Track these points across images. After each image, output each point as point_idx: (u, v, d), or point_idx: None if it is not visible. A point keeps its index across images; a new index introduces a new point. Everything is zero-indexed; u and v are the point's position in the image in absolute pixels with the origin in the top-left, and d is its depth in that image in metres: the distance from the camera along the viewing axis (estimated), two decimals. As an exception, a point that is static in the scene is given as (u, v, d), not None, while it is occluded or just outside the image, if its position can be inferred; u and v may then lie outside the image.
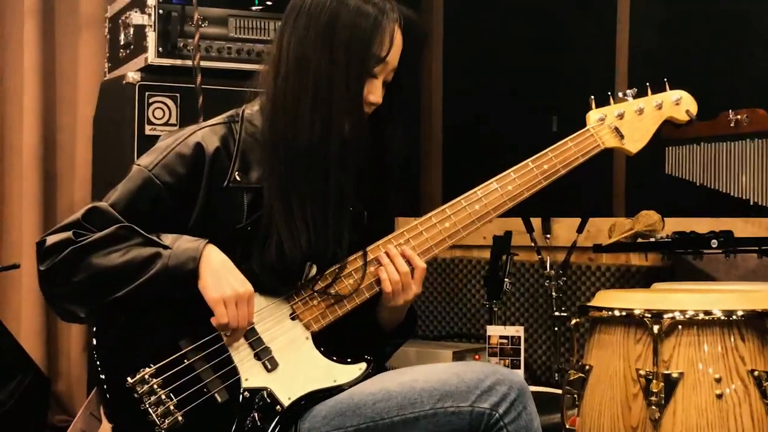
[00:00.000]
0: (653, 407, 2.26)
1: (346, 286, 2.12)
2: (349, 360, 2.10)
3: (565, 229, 4.07)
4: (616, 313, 2.36)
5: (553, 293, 3.95)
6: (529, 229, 3.98)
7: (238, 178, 2.10)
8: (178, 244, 2.01)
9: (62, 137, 4.70)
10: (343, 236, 2.11)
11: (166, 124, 3.49)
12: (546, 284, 3.96)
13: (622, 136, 2.31)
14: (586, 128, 2.31)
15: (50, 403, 4.30)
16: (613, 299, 2.41)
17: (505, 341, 3.68)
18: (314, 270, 2.11)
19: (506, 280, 3.76)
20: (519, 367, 3.62)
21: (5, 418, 3.85)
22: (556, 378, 3.97)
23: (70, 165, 4.69)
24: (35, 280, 4.72)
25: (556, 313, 3.95)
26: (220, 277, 2.00)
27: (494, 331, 3.71)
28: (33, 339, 4.51)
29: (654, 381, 2.26)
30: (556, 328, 3.98)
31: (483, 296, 4.08)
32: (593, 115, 2.32)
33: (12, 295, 4.58)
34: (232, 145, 2.12)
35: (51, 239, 2.02)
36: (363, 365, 2.09)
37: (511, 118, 4.75)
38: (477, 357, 3.95)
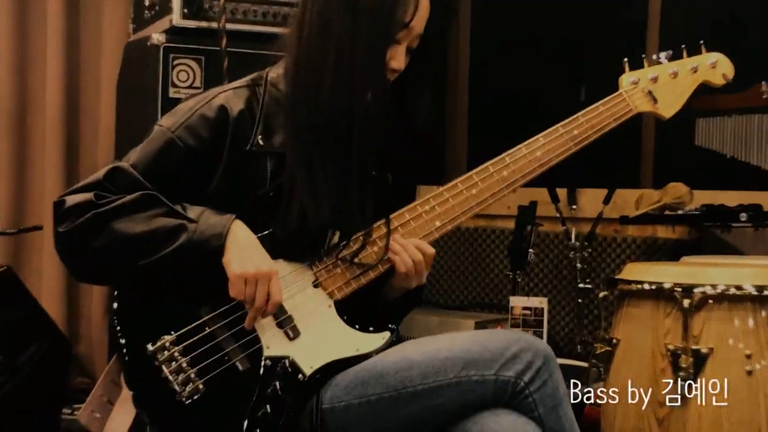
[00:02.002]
0: (681, 382, 2.22)
1: (370, 254, 2.08)
2: (371, 329, 2.07)
3: (591, 200, 4.03)
4: (646, 286, 2.32)
5: (578, 265, 3.91)
6: (555, 199, 3.94)
7: (261, 143, 2.07)
8: (204, 217, 1.98)
9: (85, 99, 4.69)
10: (366, 203, 2.08)
11: (190, 87, 3.46)
12: (571, 255, 3.92)
13: (655, 100, 2.26)
14: (618, 92, 2.26)
15: (71, 365, 4.31)
16: (642, 272, 2.38)
17: (528, 312, 3.65)
18: (337, 237, 2.08)
19: (530, 250, 3.71)
20: (541, 338, 3.59)
21: (26, 381, 3.86)
22: (579, 350, 3.94)
23: (94, 127, 4.68)
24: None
25: (581, 285, 3.92)
26: (244, 254, 1.97)
27: (517, 301, 3.67)
28: (54, 302, 4.51)
29: (683, 356, 2.23)
30: (579, 300, 3.95)
31: (506, 266, 4.05)
32: (626, 79, 2.27)
33: (33, 257, 4.58)
34: (256, 108, 2.09)
35: (71, 200, 1.99)
36: (386, 334, 2.06)
37: (538, 88, 4.70)
38: (499, 327, 3.93)
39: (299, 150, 2.05)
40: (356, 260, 2.07)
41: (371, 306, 2.14)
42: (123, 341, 1.99)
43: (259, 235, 2.02)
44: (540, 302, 3.66)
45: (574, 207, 4.08)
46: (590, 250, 3.92)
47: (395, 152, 2.18)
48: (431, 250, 2.11)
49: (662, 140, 4.39)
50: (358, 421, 1.96)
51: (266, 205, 2.05)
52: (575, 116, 2.19)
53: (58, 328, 4.10)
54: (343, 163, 2.05)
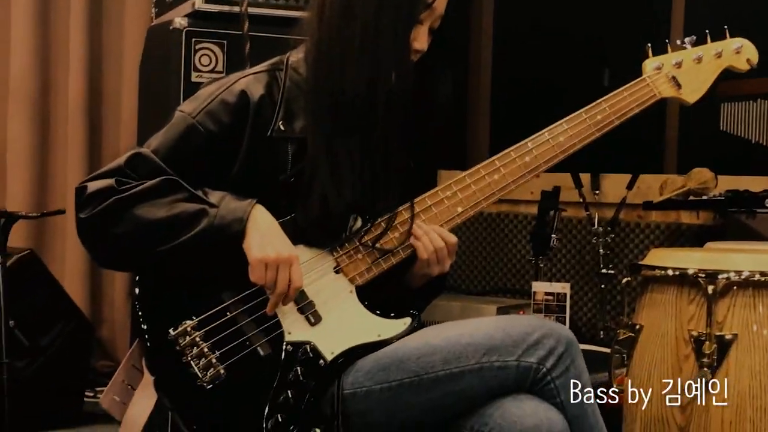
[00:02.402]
0: (705, 369, 2.21)
1: (392, 240, 2.07)
2: (393, 314, 2.06)
3: (614, 185, 4.01)
4: (670, 272, 2.30)
5: (601, 250, 3.90)
6: (578, 184, 3.92)
7: (282, 128, 2.06)
8: (225, 202, 1.97)
9: (108, 84, 4.70)
10: (388, 188, 2.07)
11: (212, 71, 3.45)
12: (594, 241, 3.90)
13: (679, 86, 2.24)
14: (641, 77, 2.23)
15: (93, 348, 4.33)
16: (666, 258, 2.36)
17: (550, 297, 3.63)
18: (359, 222, 2.07)
19: (553, 235, 3.70)
20: (564, 324, 3.58)
21: (49, 364, 3.88)
22: (602, 336, 3.93)
23: (116, 111, 4.68)
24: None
25: (603, 271, 3.90)
26: (265, 239, 1.96)
27: (540, 287, 3.66)
28: (77, 285, 4.53)
29: (707, 342, 2.21)
30: (602, 286, 3.93)
31: (529, 252, 4.03)
32: (650, 64, 2.25)
33: (56, 240, 4.60)
34: (277, 93, 2.08)
35: (93, 186, 1.99)
36: (408, 320, 2.05)
37: (561, 72, 4.67)
38: (521, 312, 3.91)
39: (320, 134, 2.03)
40: (378, 246, 2.06)
41: (393, 292, 2.13)
42: (144, 326, 1.99)
43: (281, 220, 2.01)
44: (562, 288, 3.65)
45: (598, 192, 4.06)
46: (613, 235, 3.90)
47: (417, 136, 2.16)
48: (453, 239, 2.10)
49: (687, 125, 4.35)
50: (379, 406, 1.95)
51: (287, 191, 2.04)
52: (598, 102, 2.18)
53: (80, 311, 4.13)
54: (365, 147, 2.04)
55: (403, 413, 1.95)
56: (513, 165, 2.12)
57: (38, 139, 4.52)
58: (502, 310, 3.87)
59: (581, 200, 3.94)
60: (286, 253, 1.96)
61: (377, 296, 2.08)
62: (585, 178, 3.99)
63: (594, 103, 2.17)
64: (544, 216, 3.69)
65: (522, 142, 2.14)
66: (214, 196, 1.98)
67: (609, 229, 3.89)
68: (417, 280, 2.15)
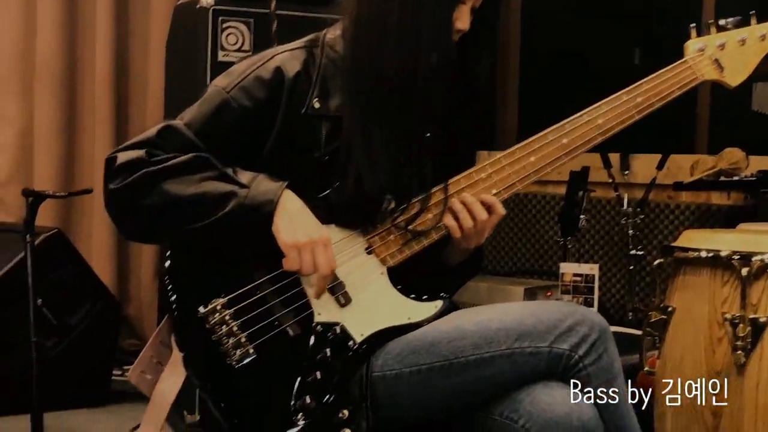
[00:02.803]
0: (739, 352, 2.18)
1: (426, 221, 2.05)
2: (424, 297, 2.04)
3: (644, 166, 3.97)
4: (703, 254, 2.27)
5: (630, 231, 3.87)
6: (607, 164, 3.89)
7: (317, 106, 2.03)
8: (256, 183, 1.94)
9: (134, 63, 4.70)
10: (424, 170, 2.05)
11: (239, 50, 3.44)
12: (623, 222, 3.87)
13: (722, 68, 2.20)
14: (683, 59, 2.20)
15: (120, 327, 4.34)
16: (699, 240, 2.32)
17: (578, 279, 3.61)
18: (392, 203, 2.05)
19: (582, 216, 3.68)
20: (592, 306, 3.56)
21: (76, 342, 3.89)
22: (630, 317, 3.90)
23: (143, 90, 4.69)
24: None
25: (632, 252, 3.87)
26: (295, 222, 1.93)
27: (568, 268, 3.64)
28: (104, 264, 4.55)
29: (740, 325, 2.18)
30: (631, 267, 3.90)
31: (557, 233, 4.00)
32: (692, 45, 2.21)
33: (83, 219, 4.62)
34: (312, 70, 2.05)
35: (123, 156, 1.96)
36: (438, 303, 2.03)
37: (591, 51, 4.62)
38: (549, 294, 3.89)
39: (357, 114, 2.01)
40: (410, 227, 2.04)
41: (425, 274, 2.10)
42: (174, 301, 1.98)
43: (313, 200, 1.99)
44: (591, 269, 3.62)
45: (627, 172, 4.03)
46: (643, 216, 3.87)
47: (456, 118, 2.13)
48: (503, 211, 2.06)
49: (718, 105, 4.31)
50: (408, 390, 1.93)
51: (320, 170, 2.02)
52: (639, 83, 2.14)
53: (108, 290, 4.14)
54: (402, 127, 2.02)
55: (432, 397, 1.93)
56: (550, 147, 2.09)
57: (65, 118, 4.53)
58: (529, 292, 3.85)
59: (610, 181, 3.91)
60: (318, 235, 1.94)
61: (409, 278, 2.06)
62: (614, 158, 3.96)
63: (634, 85, 2.14)
64: (572, 196, 3.66)
65: (560, 124, 2.10)
66: (244, 177, 1.95)
67: (638, 209, 3.86)
68: (455, 257, 2.13)
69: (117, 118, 4.61)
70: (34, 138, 4.47)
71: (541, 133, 2.10)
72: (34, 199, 2.97)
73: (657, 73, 2.17)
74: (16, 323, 3.58)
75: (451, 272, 2.17)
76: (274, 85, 2.01)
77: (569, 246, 3.70)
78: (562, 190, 3.79)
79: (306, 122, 2.02)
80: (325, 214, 1.99)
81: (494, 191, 2.07)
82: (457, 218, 2.04)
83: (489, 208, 2.06)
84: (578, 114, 2.11)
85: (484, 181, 2.07)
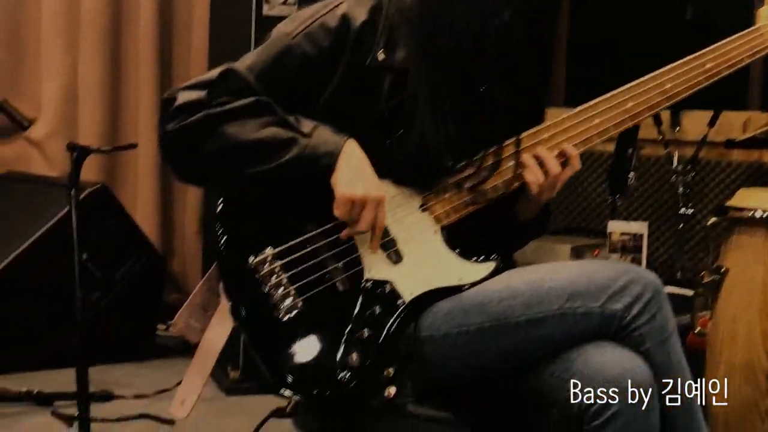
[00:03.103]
0: (794, 313, 2.14)
1: (493, 178, 2.01)
2: (477, 258, 2.00)
3: (695, 123, 3.90)
4: (758, 214, 2.22)
5: (680, 189, 3.81)
6: (658, 121, 3.82)
7: (381, 57, 1.98)
8: (318, 133, 1.91)
9: (179, 17, 4.68)
10: (492, 126, 2.00)
11: (284, 3, 3.41)
12: (672, 180, 3.81)
13: None
14: (756, 26, 2.14)
15: (165, 282, 4.36)
16: (754, 199, 2.28)
17: (626, 238, 3.56)
18: (451, 161, 2.00)
19: (631, 174, 3.62)
20: (640, 265, 3.51)
21: (121, 296, 3.91)
22: (679, 277, 3.85)
23: (187, 46, 4.67)
24: (151, 159, 4.80)
25: (682, 210, 3.82)
26: (355, 176, 1.90)
27: (616, 226, 3.59)
28: (148, 219, 4.55)
29: (796, 287, 2.14)
30: (681, 226, 3.85)
31: (605, 191, 3.95)
32: (765, 12, 2.15)
33: (128, 174, 4.63)
34: (379, 19, 2.00)
35: (183, 97, 1.93)
36: (491, 265, 1.99)
37: (641, 7, 4.54)
38: (596, 253, 3.84)
39: (424, 68, 1.96)
40: (467, 186, 1.99)
41: (487, 232, 2.06)
42: (223, 248, 1.95)
43: (371, 153, 1.94)
44: (639, 227, 3.57)
45: (678, 129, 3.96)
46: (693, 174, 3.81)
47: (524, 76, 2.08)
48: (578, 165, 2.02)
49: (772, 61, 4.22)
50: (455, 350, 1.91)
51: (380, 123, 1.98)
52: (709, 49, 2.09)
53: (152, 244, 4.16)
54: (471, 84, 1.97)
55: (480, 358, 1.91)
56: (615, 110, 2.05)
57: (109, 73, 4.52)
58: (576, 250, 3.80)
59: (660, 138, 3.84)
60: (374, 193, 1.91)
61: (465, 236, 2.02)
62: (665, 114, 3.89)
63: (704, 51, 2.09)
64: (621, 154, 3.61)
65: (626, 86, 2.06)
66: (306, 125, 1.92)
67: (689, 167, 3.80)
68: (525, 212, 2.10)
69: (161, 74, 4.60)
70: (79, 92, 4.47)
71: (607, 95, 2.05)
72: (78, 153, 2.95)
73: (728, 39, 2.11)
74: (61, 278, 3.61)
75: (518, 230, 2.13)
76: (340, 34, 1.97)
77: (617, 204, 3.64)
78: (610, 147, 3.73)
79: (369, 74, 1.98)
80: (382, 168, 1.95)
81: (556, 152, 2.03)
82: (529, 172, 2.00)
83: (565, 161, 2.02)
84: (644, 78, 2.06)
85: (547, 141, 2.03)
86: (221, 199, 1.97)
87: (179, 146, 1.94)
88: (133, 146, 3.30)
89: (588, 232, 4.25)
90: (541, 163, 2.00)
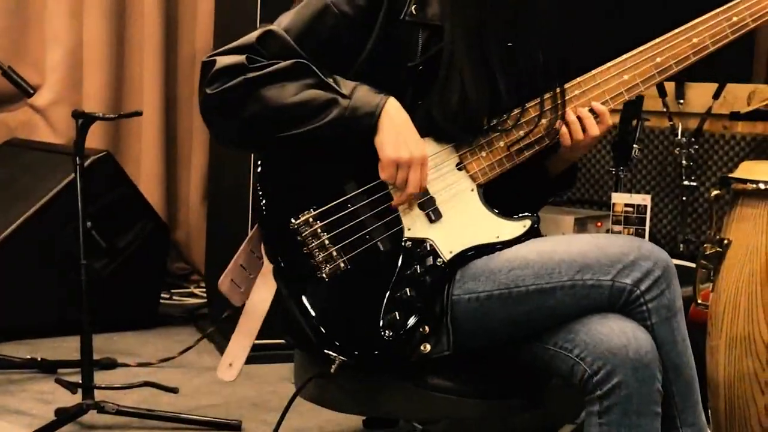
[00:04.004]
0: (796, 286, 2.14)
1: (517, 138, 2.02)
2: (514, 215, 2.01)
3: (699, 95, 3.89)
4: (762, 186, 2.22)
5: (684, 162, 3.82)
6: (662, 93, 3.81)
7: (414, 12, 1.99)
8: (358, 94, 1.91)
9: (184, -17, 4.66)
10: (530, 85, 2.02)
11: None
12: (676, 152, 3.82)
13: None
14: None
15: (169, 251, 4.36)
16: (758, 171, 2.27)
17: (630, 209, 3.56)
18: (490, 117, 2.01)
19: (635, 146, 3.62)
20: (643, 237, 3.51)
21: (125, 265, 3.92)
22: (681, 249, 3.86)
23: (192, 13, 4.65)
24: (156, 128, 4.79)
25: (686, 183, 3.83)
26: (399, 137, 1.91)
27: (620, 198, 3.59)
28: (153, 187, 4.55)
29: (799, 259, 2.14)
30: (684, 198, 3.85)
31: (609, 162, 3.95)
32: None
33: (133, 142, 4.62)
34: None
35: (222, 60, 1.93)
36: (528, 222, 2.00)
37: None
38: (599, 224, 3.85)
39: (461, 23, 1.96)
40: (502, 144, 2.01)
41: (520, 186, 2.08)
42: (264, 210, 1.96)
43: (412, 112, 1.95)
44: (643, 199, 3.57)
45: (682, 101, 3.95)
46: (697, 146, 3.81)
47: (561, 31, 2.09)
48: (609, 122, 2.04)
49: (778, 33, 4.20)
50: (467, 315, 1.92)
51: (415, 79, 1.98)
52: (735, 2, 2.09)
53: (156, 213, 4.15)
54: (510, 40, 1.98)
55: (490, 325, 1.92)
56: (644, 65, 2.05)
57: (114, 39, 4.50)
58: (579, 222, 3.81)
59: (665, 110, 3.84)
60: (419, 154, 1.92)
61: (501, 192, 2.03)
62: (669, 86, 3.88)
63: (730, 4, 2.09)
64: (626, 125, 3.61)
65: (655, 42, 2.07)
66: (346, 86, 1.93)
67: (693, 140, 3.80)
68: (557, 167, 2.13)
69: (166, 40, 4.58)
70: (84, 58, 4.45)
71: (635, 51, 2.06)
72: (84, 120, 2.95)
73: None
74: (66, 245, 3.62)
75: (549, 184, 2.16)
76: None
77: (621, 176, 3.64)
78: (615, 118, 3.73)
79: (403, 29, 1.98)
80: (421, 126, 1.96)
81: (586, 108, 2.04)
82: (568, 130, 2.02)
83: (598, 118, 2.03)
84: (672, 33, 2.07)
85: (578, 98, 2.04)
86: (260, 161, 1.98)
87: (219, 110, 1.94)
88: (138, 114, 3.29)
89: (592, 203, 4.26)
90: (579, 121, 2.02)
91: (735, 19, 2.07)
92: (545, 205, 2.22)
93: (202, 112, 1.97)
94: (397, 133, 1.91)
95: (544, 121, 2.02)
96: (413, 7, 1.98)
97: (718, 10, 2.08)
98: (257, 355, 3.28)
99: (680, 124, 3.82)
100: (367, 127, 1.90)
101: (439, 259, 1.95)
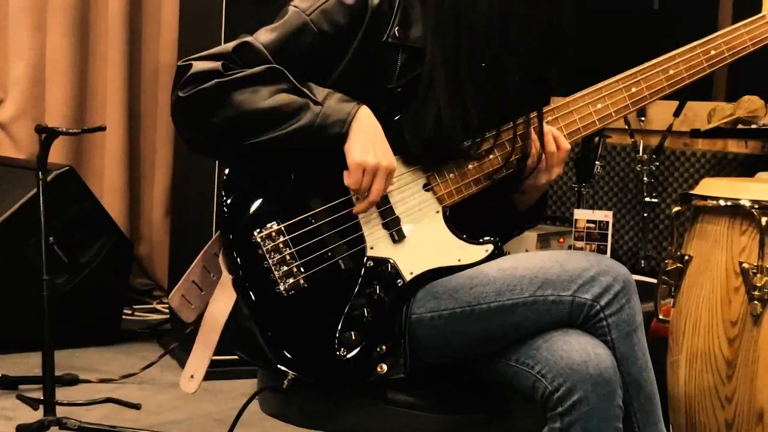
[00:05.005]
0: (755, 302, 2.16)
1: (486, 162, 2.03)
2: (476, 240, 2.02)
3: (661, 112, 3.93)
4: (722, 202, 2.24)
5: (645, 178, 3.86)
6: (624, 110, 3.84)
7: (396, 35, 1.99)
8: (330, 100, 1.91)
9: (149, -2, 4.65)
10: (505, 110, 2.02)
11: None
12: (638, 169, 3.86)
13: None
14: (761, 14, 2.16)
15: (132, 266, 4.34)
16: (718, 188, 2.30)
17: (592, 225, 3.59)
18: (464, 140, 2.01)
19: (597, 162, 3.66)
20: (605, 253, 3.54)
21: (87, 280, 3.89)
22: (642, 265, 3.89)
23: (156, 27, 4.64)
24: (119, 142, 4.75)
25: (647, 199, 3.86)
26: (368, 142, 1.90)
27: (582, 214, 3.62)
28: (116, 202, 4.53)
29: (758, 275, 2.16)
30: (645, 214, 3.89)
31: (572, 178, 3.98)
32: None
33: (96, 157, 4.60)
34: None
35: (198, 65, 1.92)
36: (489, 247, 2.01)
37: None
38: (561, 240, 3.87)
39: (441, 48, 1.97)
40: (471, 167, 2.01)
41: (486, 219, 2.08)
42: (227, 220, 1.94)
43: (385, 130, 1.95)
44: (605, 216, 3.60)
45: (643, 119, 3.99)
46: (658, 163, 3.85)
47: (539, 61, 2.10)
48: (567, 146, 2.05)
49: (738, 51, 4.25)
50: (430, 333, 1.93)
51: (391, 100, 1.99)
52: (713, 36, 2.11)
53: (119, 228, 4.13)
54: (487, 65, 1.99)
55: (453, 342, 1.93)
56: (618, 95, 2.07)
57: (77, 53, 4.48)
58: (542, 238, 3.83)
59: (626, 127, 3.88)
60: (386, 162, 1.91)
61: (464, 217, 2.03)
62: (631, 104, 3.92)
63: (708, 38, 2.11)
64: (588, 142, 3.64)
65: (630, 72, 2.08)
66: (319, 93, 1.92)
67: (654, 156, 3.84)
68: (520, 199, 2.12)
69: (130, 55, 4.57)
70: (46, 72, 4.43)
71: (610, 80, 2.08)
72: (47, 135, 2.94)
73: (732, 26, 2.13)
74: (28, 261, 3.59)
75: (515, 218, 2.16)
76: (357, 12, 1.97)
77: (584, 192, 3.67)
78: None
79: (383, 50, 1.98)
80: (396, 144, 1.96)
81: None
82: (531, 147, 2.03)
83: (556, 142, 2.04)
84: (648, 63, 2.09)
85: (551, 124, 2.05)
86: (226, 169, 1.97)
87: (191, 113, 1.93)
88: (102, 129, 3.28)
89: (554, 219, 4.28)
90: (540, 140, 2.03)
91: (713, 52, 2.10)
92: (513, 238, 2.21)
93: (173, 116, 1.96)
94: (365, 139, 1.90)
95: (513, 146, 2.03)
96: (396, 29, 1.98)
97: (696, 43, 2.11)
98: (221, 371, 3.30)
99: (642, 141, 3.86)
100: (338, 134, 1.90)
101: (399, 280, 1.95)
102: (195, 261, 2.08)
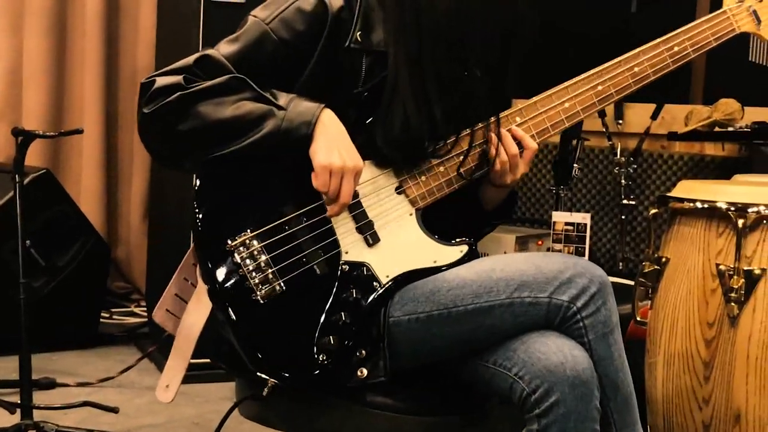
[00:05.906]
0: (732, 304, 2.17)
1: (456, 164, 2.03)
2: (451, 241, 2.02)
3: (638, 115, 3.96)
4: (699, 205, 2.25)
5: (623, 181, 3.87)
6: (601, 113, 3.87)
7: (359, 39, 2.00)
8: (293, 105, 1.91)
9: (126, 1, 4.63)
10: (471, 113, 2.03)
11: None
12: (616, 171, 3.87)
13: (759, 21, 2.18)
14: (722, 9, 2.19)
15: (109, 269, 4.32)
16: (695, 190, 2.30)
17: (570, 228, 3.60)
18: (431, 143, 2.03)
19: (575, 165, 3.67)
20: (583, 255, 3.55)
21: (65, 284, 3.88)
22: (620, 267, 3.90)
23: (134, 30, 4.63)
24: (97, 145, 4.74)
25: (625, 202, 3.88)
26: (332, 144, 1.90)
27: (560, 217, 3.62)
28: (93, 205, 4.52)
29: (735, 277, 2.17)
30: (623, 217, 3.90)
31: (550, 181, 3.99)
32: None
33: (73, 160, 4.58)
34: (355, 3, 2.01)
35: (160, 81, 1.92)
36: (464, 248, 2.01)
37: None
38: (540, 243, 3.88)
39: (404, 51, 1.98)
40: (442, 169, 2.02)
41: (458, 217, 2.10)
42: (200, 229, 1.94)
43: (353, 135, 1.95)
44: (583, 218, 3.61)
45: (621, 122, 4.01)
46: (635, 166, 3.86)
47: (500, 61, 2.11)
48: (533, 145, 2.06)
49: (715, 55, 4.26)
50: (407, 336, 1.93)
51: (358, 104, 1.99)
52: (675, 32, 2.13)
53: (96, 231, 4.12)
54: (452, 67, 2.00)
55: (431, 345, 1.93)
56: (585, 93, 2.09)
57: (55, 56, 4.47)
58: (521, 240, 3.84)
59: (604, 130, 3.89)
60: (352, 163, 1.91)
61: (440, 220, 2.04)
62: (608, 107, 3.93)
63: (671, 34, 2.13)
64: (566, 145, 3.65)
65: (595, 70, 2.10)
66: (282, 98, 1.92)
67: (632, 159, 3.85)
68: (488, 197, 2.13)
69: (107, 57, 4.55)
70: (23, 75, 4.41)
71: (576, 79, 2.09)
72: (24, 138, 2.92)
73: (695, 22, 2.16)
74: (5, 263, 3.57)
75: (485, 216, 2.17)
76: (316, 18, 1.97)
77: (562, 195, 3.68)
78: (556, 138, 3.77)
79: (347, 56, 1.99)
80: (365, 149, 1.96)
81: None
82: (492, 150, 2.04)
83: (519, 143, 2.05)
84: (613, 61, 2.11)
85: (520, 125, 2.07)
86: (198, 179, 1.96)
87: (156, 128, 1.93)
88: (79, 132, 3.26)
89: (533, 222, 4.29)
90: (502, 143, 2.04)
91: (676, 49, 2.12)
92: (485, 236, 2.23)
93: (140, 132, 1.96)
94: (330, 141, 1.90)
95: (480, 148, 2.04)
96: (358, 33, 1.99)
97: (659, 40, 2.13)
98: (198, 375, 3.29)
99: (619, 144, 3.88)
100: (303, 137, 1.89)
101: (375, 283, 1.96)
102: (174, 275, 2.08)
